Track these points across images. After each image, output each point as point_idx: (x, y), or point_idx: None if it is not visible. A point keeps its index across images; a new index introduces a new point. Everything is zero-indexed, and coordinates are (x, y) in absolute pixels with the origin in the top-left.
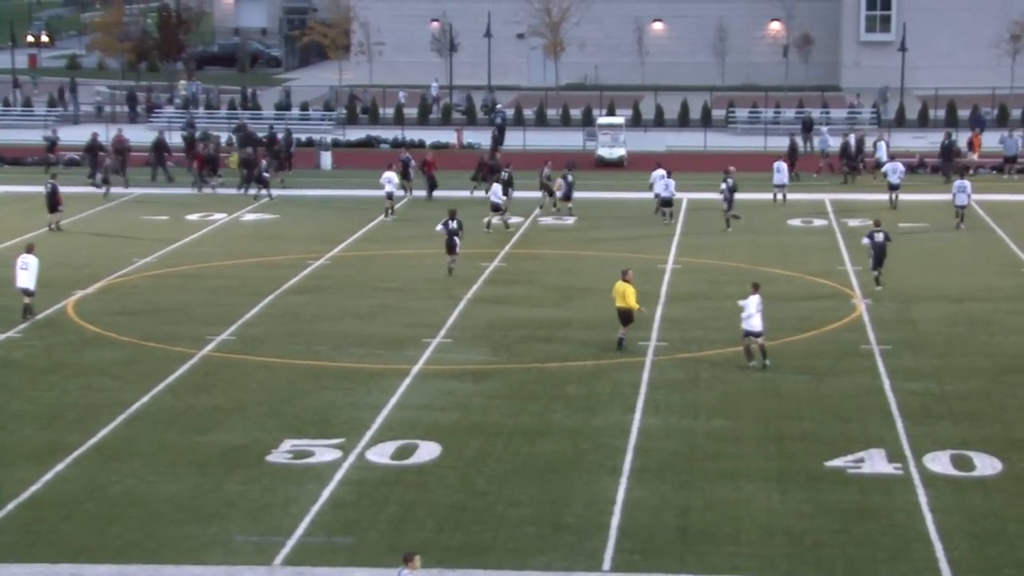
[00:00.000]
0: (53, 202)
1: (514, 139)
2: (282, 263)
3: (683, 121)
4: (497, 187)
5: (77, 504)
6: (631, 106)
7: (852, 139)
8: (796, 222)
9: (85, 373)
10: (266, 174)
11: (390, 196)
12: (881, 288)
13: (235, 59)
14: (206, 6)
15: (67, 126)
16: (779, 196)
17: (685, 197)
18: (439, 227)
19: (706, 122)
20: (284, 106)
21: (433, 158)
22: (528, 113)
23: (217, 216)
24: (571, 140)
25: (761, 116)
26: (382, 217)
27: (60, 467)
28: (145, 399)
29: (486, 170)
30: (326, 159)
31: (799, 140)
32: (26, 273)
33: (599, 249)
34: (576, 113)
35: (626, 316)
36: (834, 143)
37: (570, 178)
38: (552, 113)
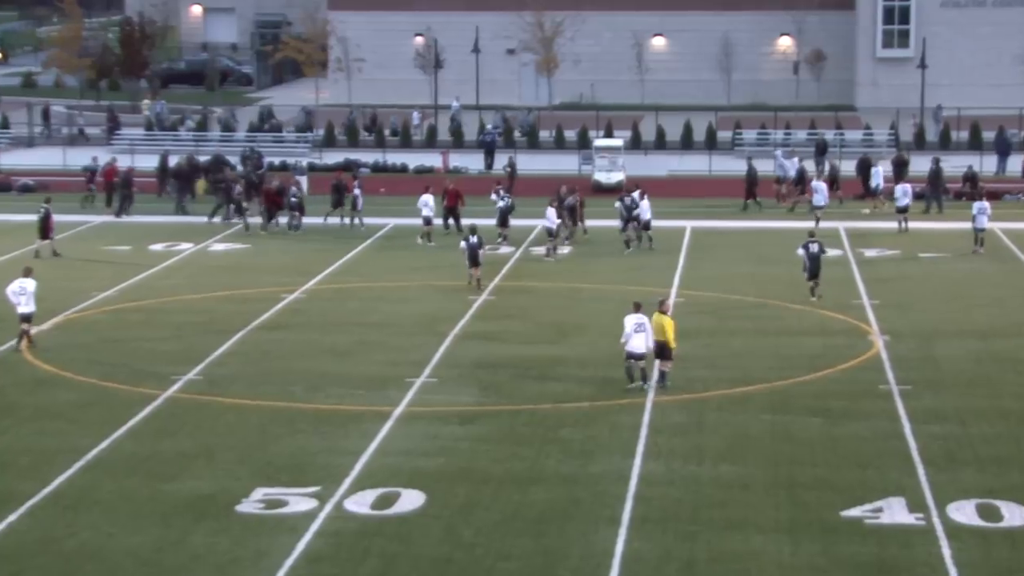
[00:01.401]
0: (45, 228)
1: (504, 162)
2: (253, 297)
3: (686, 143)
4: (551, 211)
5: (30, 558)
6: (630, 127)
7: (826, 165)
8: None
9: (39, 416)
10: (244, 202)
11: (428, 221)
12: (817, 299)
13: (203, 77)
14: (172, 20)
15: (20, 150)
16: (903, 225)
17: (689, 225)
18: (462, 244)
19: (711, 145)
20: (260, 127)
21: (455, 187)
22: (518, 134)
23: (183, 246)
24: (565, 164)
25: (770, 138)
26: (419, 240)
27: (12, 518)
28: (104, 444)
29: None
30: (302, 184)
31: (808, 164)
32: (25, 298)
33: (596, 281)
34: (571, 135)
35: (666, 347)
36: (792, 169)
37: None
38: (545, 134)
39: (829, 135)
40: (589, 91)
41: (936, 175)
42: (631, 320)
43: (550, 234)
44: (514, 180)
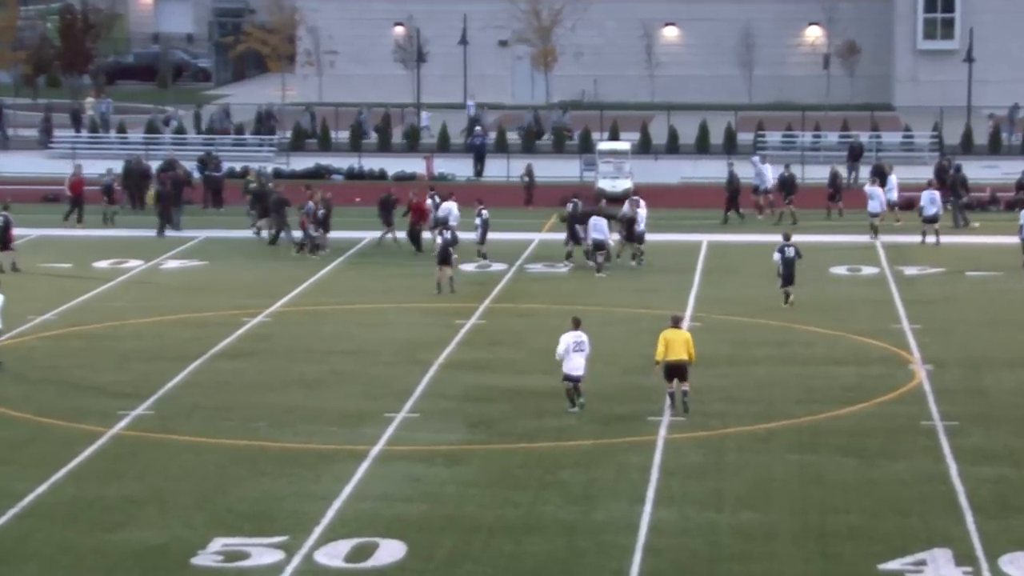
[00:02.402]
0: (4, 239)
1: (496, 168)
2: (212, 320)
3: (702, 147)
4: (602, 222)
5: None
6: (638, 128)
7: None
8: (841, 270)
9: None
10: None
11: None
12: (788, 306)
13: (154, 71)
14: (119, 8)
15: None
16: (930, 237)
17: (705, 239)
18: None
19: (730, 148)
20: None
21: (419, 201)
22: (513, 137)
23: (132, 263)
24: (566, 170)
25: (797, 141)
26: (485, 256)
27: None
28: (42, 489)
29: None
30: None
31: (842, 170)
32: None
33: (599, 302)
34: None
35: (679, 369)
36: (773, 177)
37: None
38: (543, 137)
39: (864, 137)
40: (592, 88)
41: (953, 182)
42: (569, 338)
43: (598, 247)
44: (532, 190)
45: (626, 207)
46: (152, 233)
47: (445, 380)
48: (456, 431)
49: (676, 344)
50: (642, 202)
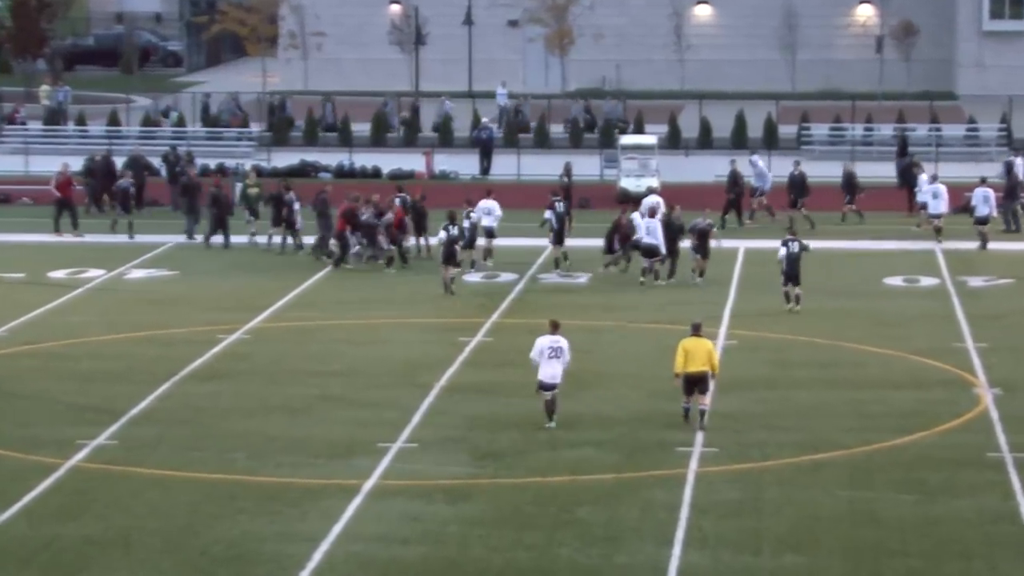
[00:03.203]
0: None
1: (505, 164)
2: (182, 338)
3: (738, 141)
4: (655, 224)
5: None
6: (666, 120)
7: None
8: (896, 281)
9: None
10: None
11: (491, 233)
12: (792, 308)
13: (118, 56)
14: None
15: None
16: (975, 242)
17: (742, 246)
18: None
19: (770, 143)
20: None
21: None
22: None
23: (92, 273)
24: (583, 167)
25: (847, 134)
26: (485, 262)
27: None
28: None
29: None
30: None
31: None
32: None
33: (622, 317)
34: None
35: (699, 382)
36: (769, 178)
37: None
38: (557, 130)
39: (922, 130)
40: (614, 74)
41: (1013, 182)
42: (545, 341)
43: (650, 252)
44: (570, 190)
45: (701, 221)
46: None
47: (447, 405)
48: (460, 463)
49: (697, 354)
50: (661, 201)
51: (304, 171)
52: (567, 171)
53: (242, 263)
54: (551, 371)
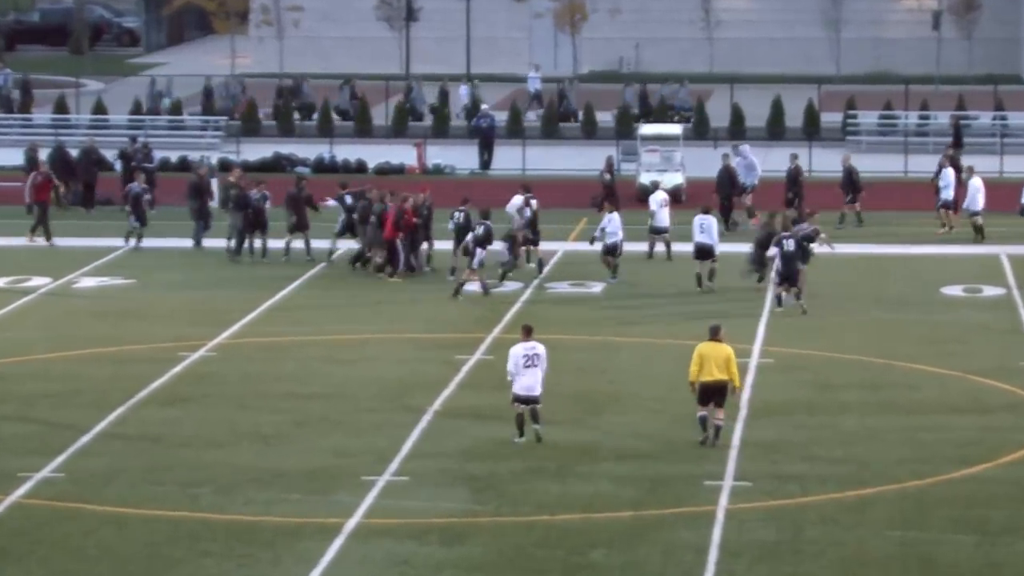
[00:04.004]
0: None
1: (507, 158)
2: (140, 355)
3: (775, 131)
4: (710, 221)
5: None
6: (693, 107)
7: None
8: (955, 290)
9: None
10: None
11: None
12: (782, 308)
13: (66, 34)
14: None
15: None
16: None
17: (779, 251)
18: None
19: (811, 132)
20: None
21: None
22: (530, 117)
23: (36, 281)
24: (598, 161)
25: (899, 123)
26: (533, 266)
27: None
28: None
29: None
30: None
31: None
32: None
33: (641, 332)
34: (605, 118)
35: (716, 392)
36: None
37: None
38: (528, 119)
39: (985, 118)
40: (633, 55)
41: None
42: (520, 350)
43: (705, 254)
44: (614, 189)
45: (806, 225)
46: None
47: (442, 432)
48: (456, 498)
49: (714, 361)
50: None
51: (278, 165)
52: (608, 167)
53: (208, 270)
54: (528, 381)
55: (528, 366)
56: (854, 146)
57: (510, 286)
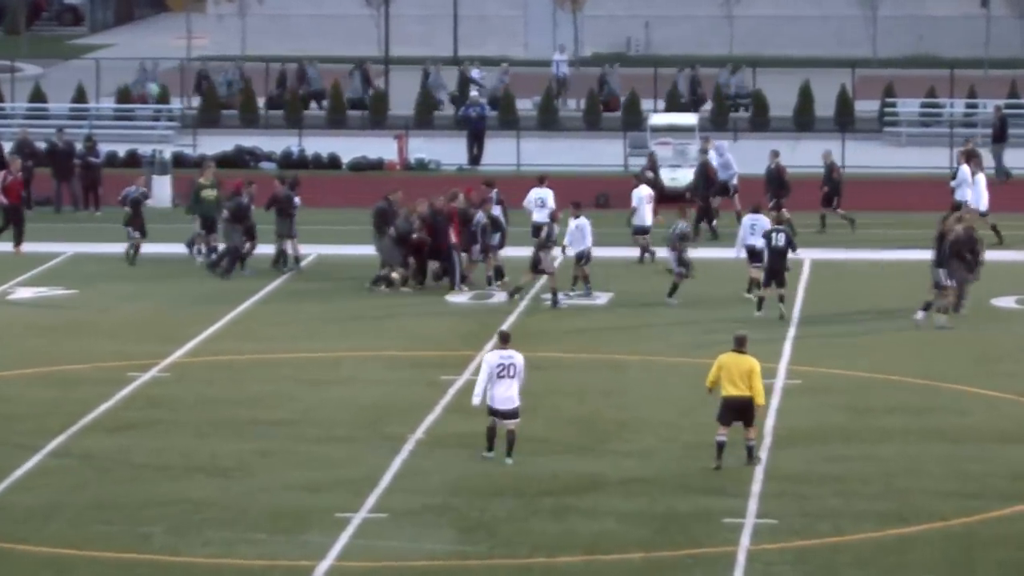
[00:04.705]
0: None
1: (500, 151)
2: (83, 376)
3: (802, 122)
4: (763, 222)
5: None
6: (710, 94)
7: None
8: (1008, 302)
9: None
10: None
11: (538, 232)
12: (762, 313)
13: (0, 11)
14: None
15: None
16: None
17: (808, 257)
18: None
19: (844, 123)
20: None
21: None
22: (525, 105)
23: None
24: (602, 155)
25: (944, 113)
26: (577, 284)
27: None
28: None
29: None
30: (161, 187)
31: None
32: None
33: (650, 350)
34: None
35: (740, 410)
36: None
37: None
38: (568, 105)
39: None
40: (642, 35)
41: None
42: (494, 358)
43: (759, 259)
44: (658, 185)
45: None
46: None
47: (426, 463)
48: (442, 539)
49: (737, 373)
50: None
51: (239, 160)
52: (652, 165)
53: (161, 279)
54: (504, 393)
55: (503, 376)
56: (892, 139)
57: (501, 297)
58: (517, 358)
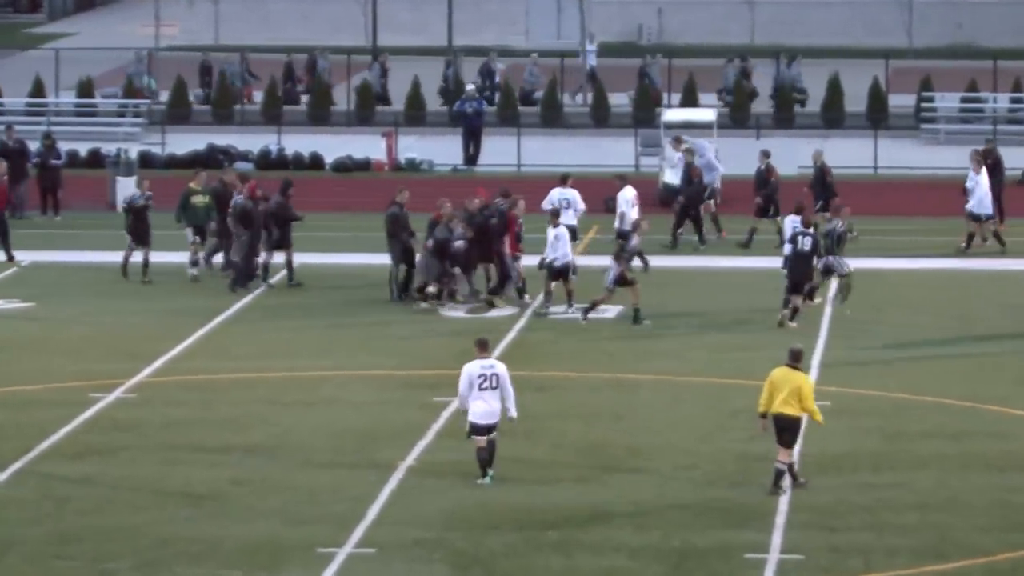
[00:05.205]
0: None
1: (499, 151)
2: (42, 397)
3: (832, 117)
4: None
5: None
6: (730, 88)
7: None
8: None
9: None
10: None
11: (574, 234)
12: (783, 321)
13: None
14: None
15: None
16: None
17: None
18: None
19: (877, 120)
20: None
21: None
22: (570, 100)
23: None
24: (613, 154)
25: (985, 108)
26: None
27: None
28: None
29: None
30: (127, 190)
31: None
32: None
33: (664, 368)
34: (621, 100)
35: (782, 429)
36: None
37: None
38: (575, 102)
39: None
40: (655, 24)
41: None
42: (474, 368)
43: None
44: (700, 193)
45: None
46: None
47: (417, 494)
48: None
49: (788, 389)
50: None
51: (211, 159)
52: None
53: (127, 292)
54: (486, 407)
55: (484, 388)
56: (930, 136)
57: (500, 312)
58: (499, 367)
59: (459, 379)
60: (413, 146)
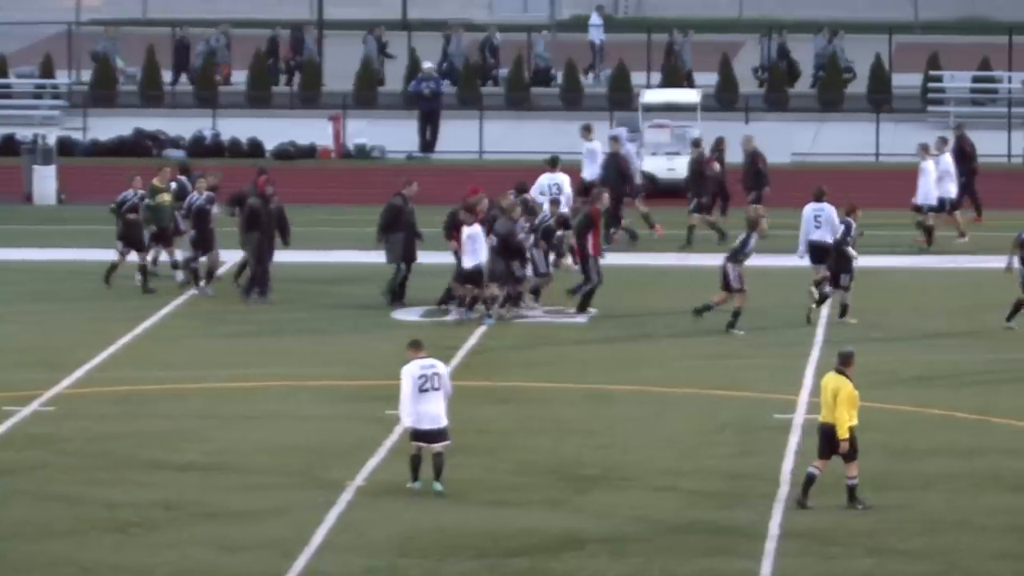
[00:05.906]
0: None
1: (459, 136)
2: None
3: (828, 99)
4: (829, 212)
5: None
6: (715, 67)
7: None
8: None
9: None
10: None
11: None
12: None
13: None
14: None
15: None
16: None
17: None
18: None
19: (879, 101)
20: None
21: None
22: (587, 81)
23: None
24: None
25: (999, 91)
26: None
27: None
28: None
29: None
30: (44, 180)
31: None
32: None
33: (642, 378)
34: (640, 80)
35: (828, 439)
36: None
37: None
38: (588, 81)
39: None
40: None
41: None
42: (415, 370)
43: (822, 256)
44: (723, 185)
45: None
46: None
47: (368, 516)
48: None
49: (830, 395)
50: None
51: (139, 147)
52: (719, 151)
53: (44, 294)
54: (430, 410)
55: (426, 389)
56: (938, 120)
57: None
58: (440, 367)
59: (400, 385)
60: (363, 131)
